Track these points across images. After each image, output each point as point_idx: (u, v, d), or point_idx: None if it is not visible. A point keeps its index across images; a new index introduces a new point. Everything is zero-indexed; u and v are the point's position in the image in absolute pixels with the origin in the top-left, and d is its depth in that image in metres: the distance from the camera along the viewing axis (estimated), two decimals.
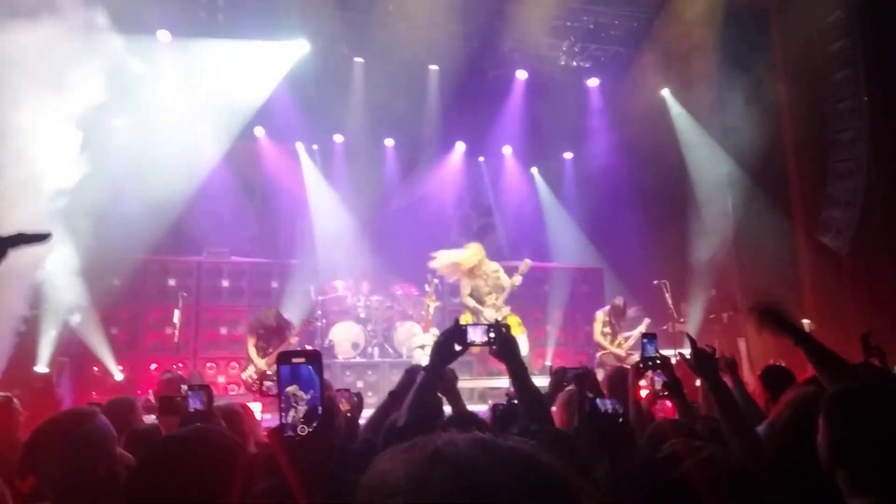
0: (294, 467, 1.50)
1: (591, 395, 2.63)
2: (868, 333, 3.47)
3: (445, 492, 0.62)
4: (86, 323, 7.90)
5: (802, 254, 8.80)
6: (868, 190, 7.88)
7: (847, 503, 1.50)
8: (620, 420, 2.09)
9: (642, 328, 8.51)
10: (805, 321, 7.94)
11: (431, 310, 8.88)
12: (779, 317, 2.44)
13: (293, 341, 7.43)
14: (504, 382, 6.58)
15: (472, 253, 8.25)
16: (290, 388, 1.40)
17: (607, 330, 8.54)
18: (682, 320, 9.03)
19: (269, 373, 7.27)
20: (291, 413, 1.42)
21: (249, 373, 7.55)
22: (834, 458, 1.53)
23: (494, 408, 3.15)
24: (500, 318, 7.91)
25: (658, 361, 3.11)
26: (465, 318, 8.08)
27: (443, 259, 8.34)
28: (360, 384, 8.37)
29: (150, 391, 7.09)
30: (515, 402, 2.74)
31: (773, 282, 8.48)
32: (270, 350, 7.39)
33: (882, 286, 7.42)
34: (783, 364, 4.42)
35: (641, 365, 3.18)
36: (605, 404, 2.06)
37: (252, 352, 7.55)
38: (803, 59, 8.61)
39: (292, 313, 8.77)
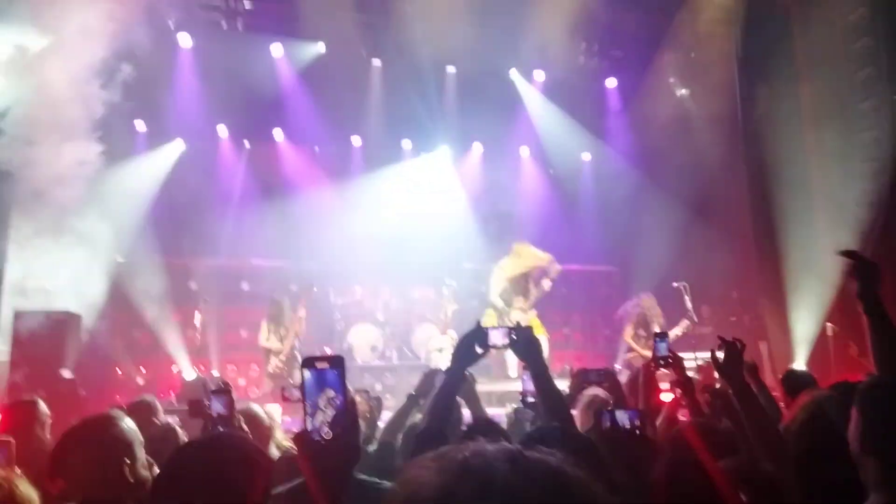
0: (319, 471, 1.51)
1: (609, 407, 2.62)
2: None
3: (473, 501, 0.63)
4: (109, 326, 8.02)
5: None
6: (893, 190, 7.74)
7: (872, 495, 1.49)
8: (638, 432, 2.08)
9: (678, 331, 8.39)
10: (828, 324, 7.82)
11: (449, 312, 8.90)
12: (875, 277, 2.22)
13: (301, 314, 7.57)
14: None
15: (530, 253, 8.26)
16: (324, 393, 1.42)
17: (642, 332, 8.42)
18: (704, 324, 8.94)
19: (284, 366, 7.36)
20: (319, 416, 1.43)
21: (274, 364, 7.57)
22: (863, 448, 1.52)
23: (516, 412, 3.14)
24: (520, 322, 7.89)
25: (671, 360, 3.13)
26: (489, 318, 8.09)
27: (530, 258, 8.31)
28: (378, 387, 8.39)
29: (172, 393, 7.18)
30: (531, 400, 2.75)
31: (794, 285, 8.36)
32: (282, 331, 7.51)
33: None
34: (805, 369, 4.37)
35: (653, 364, 3.20)
36: (624, 418, 2.05)
37: (264, 336, 7.62)
38: (825, 59, 8.49)
39: (310, 317, 8.82)
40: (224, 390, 2.81)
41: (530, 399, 2.81)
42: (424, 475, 0.68)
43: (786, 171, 8.78)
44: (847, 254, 2.27)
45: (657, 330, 8.36)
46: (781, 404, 3.86)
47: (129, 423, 2.08)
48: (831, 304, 8.21)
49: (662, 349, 3.19)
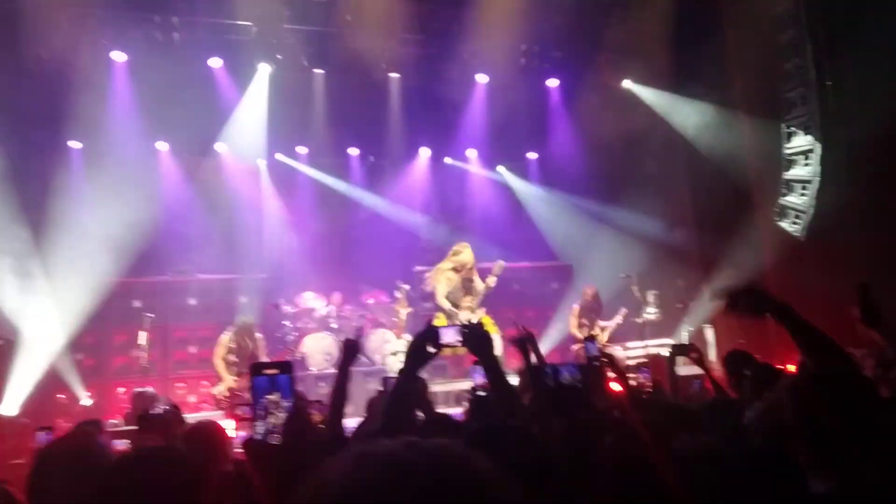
0: (267, 475, 1.51)
1: (550, 366, 2.70)
2: (865, 284, 2.57)
3: (374, 486, 0.67)
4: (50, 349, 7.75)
5: (763, 239, 9.02)
6: (822, 175, 8.12)
7: (811, 482, 1.54)
8: (580, 385, 2.16)
9: (619, 319, 8.62)
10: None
11: (403, 316, 8.89)
12: (761, 297, 2.21)
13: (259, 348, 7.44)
14: None
15: (460, 253, 8.30)
16: (272, 397, 1.42)
17: (584, 321, 8.64)
18: (649, 311, 9.19)
19: (237, 392, 7.19)
20: (271, 420, 1.43)
21: (221, 389, 7.44)
22: (798, 441, 1.58)
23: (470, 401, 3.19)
24: (471, 321, 7.95)
25: (602, 359, 3.31)
26: (440, 321, 8.10)
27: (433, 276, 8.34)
28: None
29: (120, 416, 6.96)
30: (481, 394, 2.81)
31: (735, 267, 8.68)
32: (243, 369, 7.31)
33: (840, 269, 7.63)
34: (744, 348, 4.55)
35: (587, 363, 3.35)
36: (565, 373, 2.12)
37: (220, 366, 7.45)
38: (755, 50, 8.84)
39: (263, 328, 8.70)
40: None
41: (480, 393, 2.85)
42: (334, 465, 0.72)
43: (723, 160, 9.11)
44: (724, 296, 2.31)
45: (599, 321, 8.60)
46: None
47: (103, 439, 2.04)
48: (768, 285, 8.57)
49: (592, 349, 3.36)
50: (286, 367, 1.40)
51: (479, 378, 2.87)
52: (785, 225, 8.57)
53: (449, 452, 0.73)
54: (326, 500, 0.69)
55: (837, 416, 1.52)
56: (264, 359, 7.42)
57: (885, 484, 1.40)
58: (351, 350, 2.63)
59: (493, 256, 8.75)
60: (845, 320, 2.63)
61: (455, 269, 8.18)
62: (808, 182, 8.23)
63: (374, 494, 0.67)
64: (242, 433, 4.86)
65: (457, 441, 0.77)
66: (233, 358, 7.40)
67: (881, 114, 6.63)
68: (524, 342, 3.04)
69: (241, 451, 3.14)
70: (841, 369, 1.77)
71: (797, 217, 8.40)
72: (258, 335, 7.73)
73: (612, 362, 3.54)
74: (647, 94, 10.19)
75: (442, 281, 8.26)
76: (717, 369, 4.79)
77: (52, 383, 7.99)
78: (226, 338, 7.58)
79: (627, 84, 10.48)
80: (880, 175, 7.02)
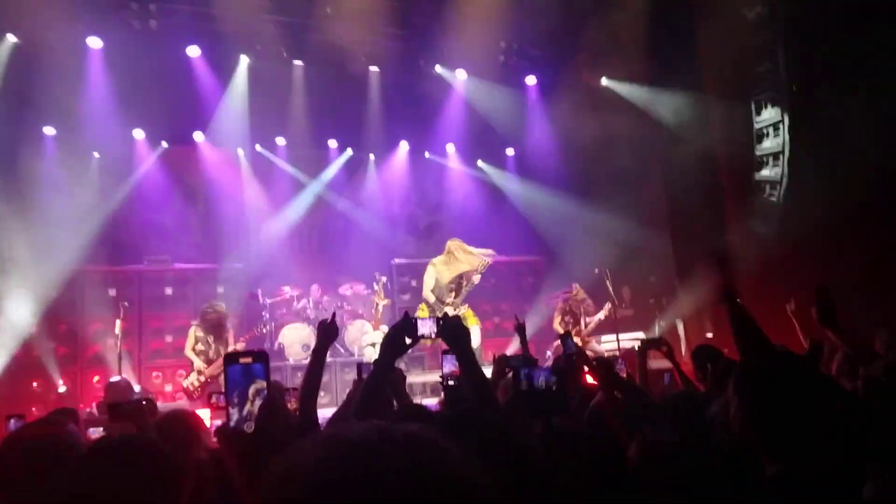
0: (242, 461, 1.57)
1: (525, 369, 2.80)
2: (824, 286, 2.72)
3: (343, 469, 0.69)
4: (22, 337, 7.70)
5: (733, 239, 9.21)
6: (791, 177, 8.33)
7: (767, 466, 1.61)
8: (554, 388, 2.24)
9: (602, 315, 8.77)
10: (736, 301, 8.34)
11: (380, 307, 8.97)
12: (724, 267, 2.42)
13: (239, 347, 7.38)
14: None
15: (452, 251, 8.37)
16: (255, 385, 1.47)
17: (568, 318, 8.76)
18: (623, 306, 9.36)
19: (210, 380, 7.20)
20: (246, 408, 1.48)
21: (191, 380, 7.41)
22: (745, 430, 1.65)
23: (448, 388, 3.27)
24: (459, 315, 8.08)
25: (578, 355, 3.44)
26: (422, 312, 8.21)
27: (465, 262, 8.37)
28: None
29: (94, 404, 6.95)
30: (451, 383, 2.89)
31: (705, 266, 8.86)
32: (211, 355, 7.30)
33: (807, 270, 7.84)
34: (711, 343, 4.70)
35: (563, 360, 3.47)
36: (539, 377, 2.20)
37: (191, 354, 7.42)
38: (728, 53, 9.01)
39: (241, 318, 8.72)
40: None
41: (450, 382, 2.92)
42: (304, 448, 0.73)
43: (696, 158, 9.27)
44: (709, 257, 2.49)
45: (584, 318, 8.74)
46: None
47: (73, 427, 2.05)
48: (739, 283, 8.78)
49: (570, 346, 3.48)
50: (261, 356, 1.46)
51: (449, 366, 2.95)
52: (756, 225, 8.77)
53: (418, 437, 0.74)
54: (295, 482, 0.70)
55: (780, 402, 1.60)
56: (234, 346, 7.45)
57: (830, 465, 1.48)
58: (327, 333, 2.66)
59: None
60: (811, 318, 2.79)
61: (452, 273, 8.25)
62: (780, 152, 8.41)
63: (343, 477, 0.68)
64: (218, 421, 4.91)
65: (429, 427, 0.78)
66: (200, 347, 7.39)
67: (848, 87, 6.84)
68: (522, 329, 3.41)
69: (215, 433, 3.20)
70: (785, 358, 1.87)
71: (772, 188, 8.56)
72: (227, 324, 7.63)
73: (586, 358, 3.66)
74: (625, 90, 10.33)
75: (431, 274, 8.35)
76: (688, 363, 4.95)
77: (26, 371, 7.94)
78: (193, 329, 7.56)
79: (605, 82, 10.61)
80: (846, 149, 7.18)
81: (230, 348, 7.32)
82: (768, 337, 2.38)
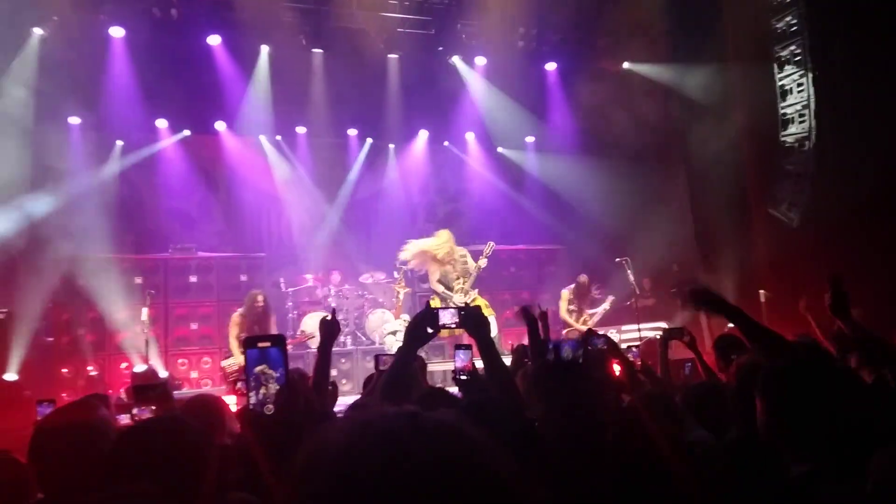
0: (263, 443, 1.61)
1: (549, 340, 2.79)
2: (837, 275, 2.65)
3: (373, 457, 0.68)
4: (53, 324, 7.88)
5: (757, 226, 9.10)
6: (816, 163, 8.18)
7: (792, 466, 1.61)
8: (580, 360, 2.25)
9: (606, 305, 8.76)
10: (761, 291, 8.25)
11: (401, 296, 9.01)
12: (709, 297, 2.43)
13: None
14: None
15: (442, 240, 8.37)
16: (260, 368, 1.50)
17: (573, 308, 8.78)
18: (645, 295, 9.30)
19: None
20: (262, 391, 1.52)
21: (231, 362, 7.58)
22: (772, 432, 1.65)
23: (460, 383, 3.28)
24: (468, 302, 8.08)
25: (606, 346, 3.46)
26: (434, 304, 8.23)
27: (412, 249, 8.43)
28: (334, 372, 8.46)
29: (122, 390, 7.11)
30: (463, 377, 2.90)
31: (728, 255, 8.77)
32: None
33: (831, 257, 7.73)
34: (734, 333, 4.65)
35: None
36: (566, 348, 2.21)
37: (234, 344, 7.58)
38: (753, 37, 8.85)
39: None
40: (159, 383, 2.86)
41: (462, 377, 2.93)
42: (331, 434, 0.72)
43: (720, 138, 9.13)
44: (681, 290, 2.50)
45: (587, 310, 8.74)
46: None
47: (105, 412, 2.10)
48: (762, 271, 8.68)
49: (597, 343, 3.47)
50: (278, 340, 1.49)
51: (461, 361, 2.95)
52: (778, 213, 8.64)
53: (448, 425, 0.73)
54: (324, 469, 0.69)
55: (806, 409, 1.59)
56: (274, 329, 7.63)
57: (856, 466, 1.46)
58: (329, 330, 2.69)
59: (488, 239, 8.84)
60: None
61: (440, 260, 8.28)
62: (806, 105, 8.24)
63: (373, 466, 0.67)
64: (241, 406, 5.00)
65: (458, 415, 0.77)
66: (245, 335, 7.51)
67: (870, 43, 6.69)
68: (544, 316, 3.38)
69: (236, 415, 3.26)
70: (809, 361, 1.85)
71: (800, 147, 8.39)
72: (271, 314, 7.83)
73: (615, 347, 3.65)
74: (647, 70, 10.20)
75: (432, 268, 8.38)
76: (710, 353, 4.91)
77: (55, 357, 8.14)
78: (236, 317, 7.70)
79: (627, 65, 10.48)
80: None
81: None
82: (779, 334, 2.37)
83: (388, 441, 0.69)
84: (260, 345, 1.49)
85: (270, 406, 1.49)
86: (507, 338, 9.47)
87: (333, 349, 8.87)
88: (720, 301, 2.42)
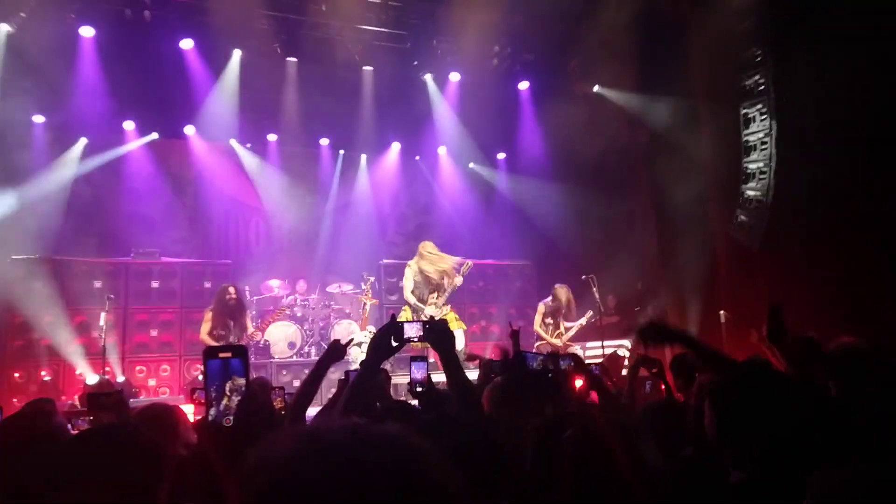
0: (221, 454, 1.59)
1: (518, 351, 2.83)
2: (778, 305, 2.89)
3: (316, 465, 0.69)
4: (4, 328, 7.64)
5: (718, 249, 9.31)
6: (777, 189, 8.43)
7: (732, 472, 1.68)
8: (550, 375, 2.28)
9: (583, 321, 8.81)
10: (721, 312, 8.43)
11: (368, 308, 8.97)
12: (662, 330, 2.54)
13: (258, 337, 7.44)
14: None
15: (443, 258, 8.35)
16: (235, 379, 1.49)
17: (549, 321, 8.81)
18: (609, 313, 9.42)
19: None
20: (224, 402, 1.50)
21: None
22: (717, 440, 1.73)
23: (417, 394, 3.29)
24: (437, 317, 8.09)
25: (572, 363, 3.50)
26: (405, 314, 8.23)
27: (437, 264, 8.32)
28: (296, 384, 8.37)
29: (76, 396, 6.92)
30: (419, 389, 2.91)
31: (691, 276, 8.95)
32: (232, 339, 7.25)
33: (790, 281, 7.95)
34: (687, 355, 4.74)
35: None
36: (533, 361, 2.24)
37: (208, 339, 7.34)
38: (717, 64, 9.09)
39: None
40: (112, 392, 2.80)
41: (418, 389, 2.93)
42: (279, 441, 0.74)
43: (684, 170, 9.36)
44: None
45: (564, 323, 8.77)
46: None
47: (60, 420, 2.04)
48: (723, 293, 8.88)
49: (565, 362, 3.52)
50: (240, 351, 1.48)
51: (417, 373, 2.96)
52: (739, 236, 8.87)
53: (393, 437, 0.74)
54: (267, 475, 0.71)
55: (747, 418, 1.66)
56: (253, 328, 7.48)
57: (793, 473, 1.51)
58: (333, 352, 2.67)
59: (458, 253, 8.87)
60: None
61: (425, 271, 8.24)
62: (767, 167, 8.50)
63: (314, 473, 0.68)
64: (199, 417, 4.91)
65: (408, 427, 0.79)
66: (220, 332, 7.34)
67: (834, 104, 6.96)
68: (516, 335, 3.53)
69: (194, 427, 3.20)
70: (754, 375, 1.92)
71: (757, 204, 8.65)
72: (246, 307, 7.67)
73: (581, 364, 3.69)
74: (616, 96, 10.41)
75: (409, 276, 8.37)
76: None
77: (7, 362, 7.89)
78: (208, 314, 7.52)
79: (597, 88, 10.69)
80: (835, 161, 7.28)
81: (249, 331, 7.34)
82: (729, 357, 2.56)
83: (330, 449, 0.71)
84: (221, 355, 1.48)
85: (230, 417, 1.48)
86: (474, 352, 9.47)
87: (296, 359, 8.76)
88: (671, 333, 2.56)
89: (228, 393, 1.48)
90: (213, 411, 1.47)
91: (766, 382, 1.75)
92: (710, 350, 2.52)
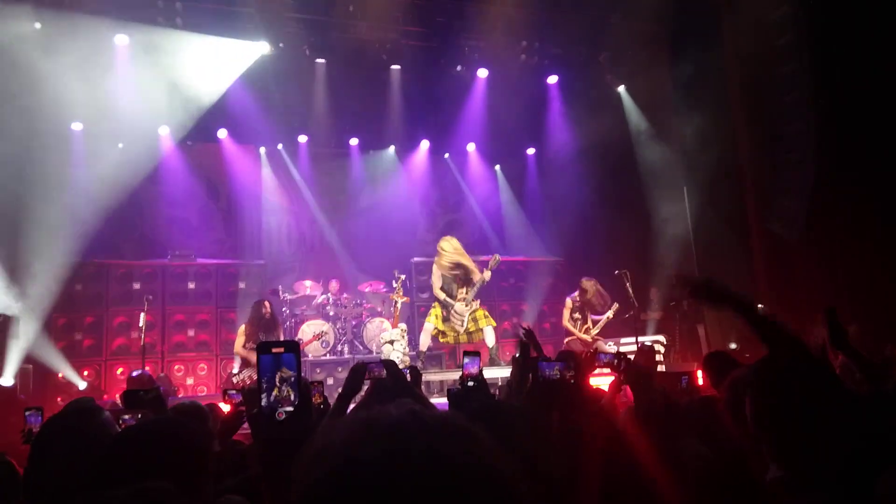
0: (273, 449, 1.59)
1: (535, 356, 2.82)
2: (832, 309, 2.78)
3: (376, 448, 0.69)
4: (50, 330, 7.84)
5: (755, 242, 9.13)
6: (816, 180, 8.22)
7: (771, 467, 1.60)
8: (572, 381, 2.26)
9: (610, 314, 8.72)
10: (759, 306, 8.27)
11: (399, 305, 8.99)
12: (719, 290, 2.24)
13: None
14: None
15: (454, 251, 8.30)
16: (284, 370, 1.49)
17: (577, 315, 8.74)
18: (646, 309, 9.29)
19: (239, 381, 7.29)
20: (274, 393, 1.51)
21: (245, 375, 7.42)
22: (757, 426, 1.62)
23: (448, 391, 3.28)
24: (470, 312, 8.09)
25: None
26: (435, 311, 8.25)
27: (454, 257, 8.28)
28: (330, 381, 8.45)
29: (117, 395, 7.07)
30: (471, 384, 2.92)
31: (728, 270, 8.78)
32: None
33: (830, 273, 7.76)
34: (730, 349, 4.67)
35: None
36: (547, 368, 2.23)
37: (242, 352, 7.48)
38: (752, 54, 8.90)
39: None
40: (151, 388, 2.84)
41: (470, 383, 2.92)
42: (335, 431, 0.73)
43: (718, 162, 9.19)
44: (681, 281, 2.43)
45: (591, 317, 8.67)
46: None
47: (108, 416, 2.09)
48: (760, 286, 8.71)
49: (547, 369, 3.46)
50: (292, 346, 1.48)
51: (473, 368, 2.96)
52: (777, 229, 8.68)
53: (450, 421, 0.74)
54: (327, 461, 0.70)
55: (791, 404, 1.56)
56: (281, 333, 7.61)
57: (832, 470, 1.45)
58: (356, 375, 2.65)
59: (489, 250, 8.85)
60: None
61: (448, 267, 8.22)
62: (806, 151, 8.28)
63: (373, 458, 0.68)
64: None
65: (459, 413, 0.78)
66: (252, 346, 7.43)
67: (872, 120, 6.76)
68: (531, 335, 3.41)
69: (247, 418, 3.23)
70: (797, 358, 1.82)
71: (789, 221, 8.48)
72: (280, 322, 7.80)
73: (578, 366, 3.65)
74: (648, 90, 10.24)
75: (436, 273, 8.37)
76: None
77: (54, 363, 8.09)
78: (243, 328, 7.64)
79: (626, 84, 10.55)
80: (873, 174, 7.11)
81: None
82: (797, 336, 2.30)
83: (389, 434, 0.70)
84: (274, 350, 1.48)
85: (282, 410, 1.48)
86: (504, 349, 9.45)
87: (329, 357, 8.81)
88: (725, 293, 2.21)
89: (279, 384, 1.48)
90: (264, 401, 1.48)
91: (810, 375, 1.64)
92: (766, 320, 2.13)
